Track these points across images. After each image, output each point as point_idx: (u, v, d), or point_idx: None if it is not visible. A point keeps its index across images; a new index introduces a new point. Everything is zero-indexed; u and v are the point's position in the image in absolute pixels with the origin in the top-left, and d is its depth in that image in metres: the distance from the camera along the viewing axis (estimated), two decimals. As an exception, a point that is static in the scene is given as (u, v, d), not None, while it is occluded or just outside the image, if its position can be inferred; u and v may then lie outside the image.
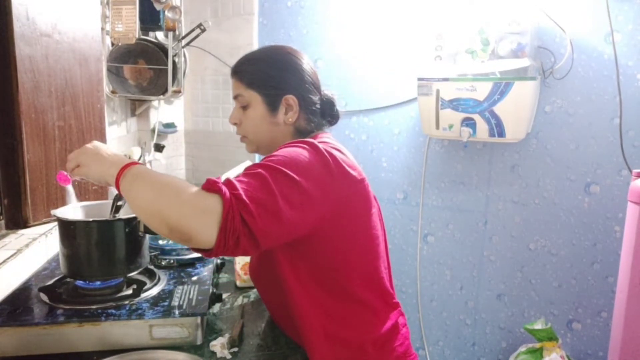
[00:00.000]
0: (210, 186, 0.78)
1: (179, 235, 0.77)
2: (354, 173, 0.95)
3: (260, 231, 0.78)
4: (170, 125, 2.62)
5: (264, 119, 1.04)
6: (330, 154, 0.91)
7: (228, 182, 0.80)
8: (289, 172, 0.84)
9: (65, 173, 0.98)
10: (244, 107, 1.06)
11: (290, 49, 1.09)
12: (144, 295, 1.02)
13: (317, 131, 1.09)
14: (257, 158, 2.66)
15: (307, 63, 1.09)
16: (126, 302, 0.99)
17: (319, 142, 0.94)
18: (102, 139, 1.41)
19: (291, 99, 1.04)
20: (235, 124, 1.09)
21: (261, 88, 1.04)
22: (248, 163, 1.20)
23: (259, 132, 1.06)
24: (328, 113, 1.12)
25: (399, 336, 1.04)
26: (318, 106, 1.09)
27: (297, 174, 0.84)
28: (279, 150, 0.91)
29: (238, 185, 0.79)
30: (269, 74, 1.04)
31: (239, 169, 1.29)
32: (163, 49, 2.14)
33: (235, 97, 1.07)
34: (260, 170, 0.83)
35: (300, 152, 0.89)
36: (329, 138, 1.05)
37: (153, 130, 2.52)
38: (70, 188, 1.11)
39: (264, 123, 1.05)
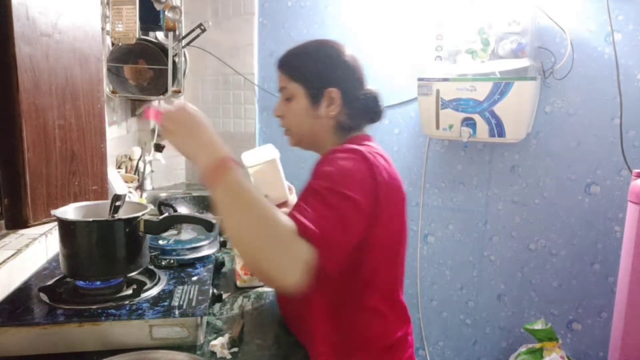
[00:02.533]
0: (304, 233, 0.79)
1: (263, 277, 0.85)
2: (399, 186, 0.98)
3: (333, 270, 0.84)
4: (170, 125, 2.62)
5: (307, 112, 1.05)
6: (379, 169, 0.93)
7: (313, 220, 0.81)
8: (352, 194, 0.87)
9: (155, 110, 0.91)
10: (288, 100, 1.07)
11: (335, 42, 1.09)
12: (144, 295, 1.02)
13: (358, 129, 1.09)
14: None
15: (351, 57, 1.08)
16: (126, 302, 0.99)
17: (368, 152, 0.94)
18: (102, 139, 1.41)
19: (334, 92, 1.03)
20: (279, 116, 1.10)
21: (304, 81, 1.04)
22: (270, 146, 1.24)
23: (301, 125, 1.07)
24: (371, 109, 1.09)
25: (407, 345, 1.06)
26: (361, 101, 1.07)
27: (357, 193, 0.88)
28: (333, 166, 0.90)
29: (320, 224, 0.81)
30: (313, 67, 1.05)
31: (262, 152, 1.29)
32: (163, 49, 2.14)
33: (280, 90, 1.09)
34: (332, 200, 0.85)
35: (355, 169, 0.91)
36: (373, 143, 1.05)
37: (153, 130, 2.52)
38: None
39: (306, 116, 1.05)
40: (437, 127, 2.02)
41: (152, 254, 1.22)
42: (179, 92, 2.38)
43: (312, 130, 1.07)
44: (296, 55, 1.08)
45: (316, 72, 1.05)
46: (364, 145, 1.00)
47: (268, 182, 1.23)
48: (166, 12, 2.02)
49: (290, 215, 0.82)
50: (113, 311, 0.95)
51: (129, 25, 1.80)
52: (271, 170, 1.22)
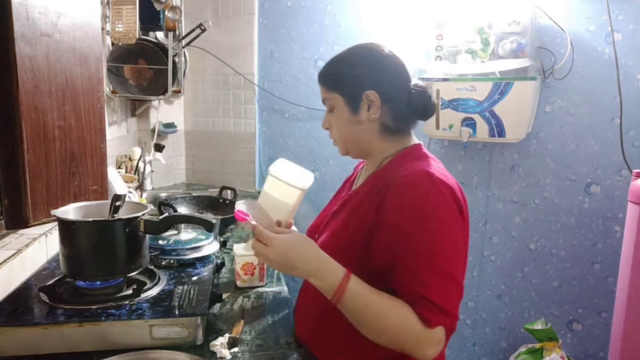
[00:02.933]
0: (435, 324, 0.84)
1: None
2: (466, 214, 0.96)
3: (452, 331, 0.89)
4: (170, 125, 2.62)
5: (348, 120, 1.02)
6: (459, 201, 0.92)
7: (438, 307, 0.84)
8: (459, 251, 0.92)
9: (242, 212, 0.95)
10: (331, 111, 1.05)
11: (372, 44, 1.05)
12: (144, 295, 1.02)
13: (406, 130, 1.05)
14: (261, 157, 2.67)
15: (389, 56, 1.03)
16: (126, 302, 0.99)
17: (445, 178, 0.91)
18: (102, 139, 1.41)
19: (371, 94, 0.99)
20: (327, 129, 1.08)
21: (341, 88, 1.02)
22: (283, 161, 1.17)
23: (346, 134, 1.04)
24: (418, 106, 1.02)
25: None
26: (404, 99, 1.01)
27: (460, 242, 0.92)
28: (430, 223, 0.87)
29: (446, 304, 0.85)
30: (347, 73, 1.02)
31: (299, 172, 1.16)
32: (163, 49, 2.14)
33: (323, 102, 1.07)
34: (446, 267, 0.87)
35: (450, 219, 0.89)
36: (429, 154, 1.02)
37: (153, 130, 2.52)
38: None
39: (349, 123, 1.03)
40: (437, 127, 2.02)
41: (152, 254, 1.22)
42: (179, 92, 2.38)
43: (357, 137, 1.03)
44: (330, 65, 1.05)
45: (350, 77, 1.01)
46: (428, 162, 0.97)
47: (280, 202, 1.11)
48: (166, 12, 2.02)
49: (418, 310, 0.84)
50: (113, 311, 0.95)
51: (129, 25, 1.80)
52: (291, 195, 1.11)
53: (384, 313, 0.85)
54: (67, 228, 1.00)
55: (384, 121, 1.01)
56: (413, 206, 0.88)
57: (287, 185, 1.11)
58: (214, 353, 0.95)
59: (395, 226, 0.89)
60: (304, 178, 1.13)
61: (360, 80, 1.00)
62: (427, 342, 0.84)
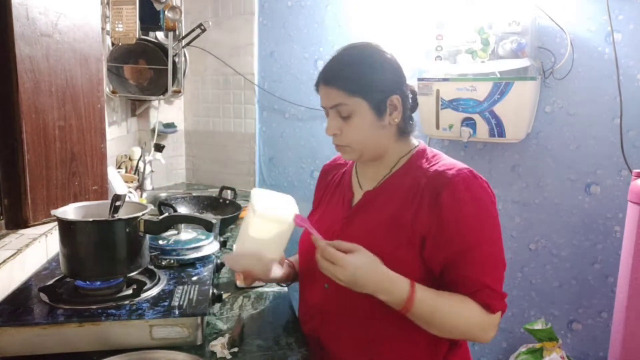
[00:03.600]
0: (495, 310, 0.93)
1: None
2: None
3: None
4: (170, 125, 2.63)
5: (372, 125, 1.00)
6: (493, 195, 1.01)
7: (499, 294, 0.94)
8: (500, 239, 0.99)
9: (302, 220, 0.99)
10: (346, 117, 1.00)
11: (377, 45, 1.05)
12: (144, 295, 1.02)
13: (412, 130, 1.08)
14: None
15: (392, 57, 1.04)
16: (126, 302, 0.99)
17: (479, 175, 1.00)
18: (102, 139, 1.41)
19: (395, 99, 1.00)
20: (334, 134, 1.03)
21: (366, 94, 0.98)
22: (291, 200, 1.10)
23: (366, 139, 1.02)
24: (415, 105, 1.09)
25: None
26: (410, 100, 1.06)
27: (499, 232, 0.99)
28: (486, 217, 0.97)
29: (501, 292, 0.95)
30: (372, 78, 0.99)
31: (280, 202, 1.08)
32: (163, 49, 2.14)
33: (334, 107, 1.00)
34: (499, 257, 0.97)
35: (495, 212, 0.99)
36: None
37: (153, 130, 2.52)
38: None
39: (372, 129, 1.00)
40: (437, 127, 2.02)
41: (152, 254, 1.22)
42: (179, 92, 2.38)
43: (378, 141, 1.03)
44: (349, 67, 1.00)
45: (377, 82, 0.99)
46: (452, 160, 1.03)
47: (272, 241, 1.02)
48: (166, 12, 2.02)
49: (481, 298, 0.92)
50: (113, 311, 0.95)
51: (129, 25, 1.80)
52: (284, 231, 1.01)
53: (451, 312, 0.92)
54: (67, 228, 1.00)
55: (400, 124, 1.04)
56: (472, 203, 0.94)
57: (278, 222, 1.01)
58: (214, 353, 0.95)
59: (456, 222, 0.93)
60: (288, 206, 1.05)
61: (386, 85, 1.00)
62: (490, 327, 0.93)
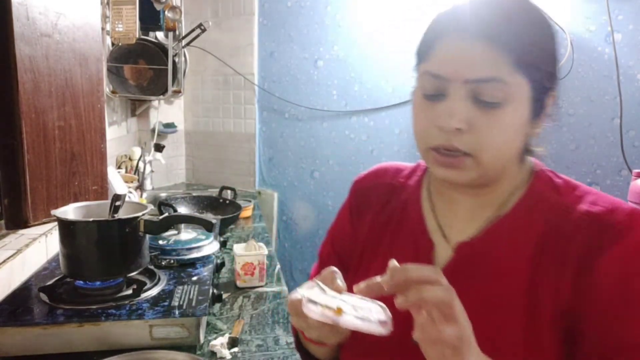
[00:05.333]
0: None
1: None
2: None
3: None
4: (170, 125, 2.63)
5: (523, 126, 0.62)
6: None
7: None
8: None
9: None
10: (491, 103, 0.59)
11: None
12: (144, 295, 1.02)
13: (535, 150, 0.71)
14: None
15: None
16: (126, 302, 0.99)
17: None
18: (102, 139, 1.41)
19: (555, 93, 0.68)
20: (458, 129, 0.59)
21: (535, 75, 0.61)
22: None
23: (505, 148, 0.62)
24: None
25: None
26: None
27: None
28: None
29: None
30: (549, 53, 0.64)
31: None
32: (163, 49, 2.14)
33: (478, 82, 0.58)
34: None
35: None
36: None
37: (153, 130, 2.52)
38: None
39: (518, 133, 0.62)
40: (437, 127, 2.02)
41: (152, 254, 1.22)
42: (179, 92, 2.38)
43: (510, 156, 0.64)
44: (524, 28, 0.60)
45: (551, 62, 0.65)
46: (596, 191, 0.66)
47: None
48: (166, 12, 2.02)
49: None
50: (113, 311, 0.95)
51: (129, 25, 1.80)
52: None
53: None
54: (67, 228, 1.00)
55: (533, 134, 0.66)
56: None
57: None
58: (214, 353, 0.95)
59: (624, 302, 0.58)
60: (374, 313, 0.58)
61: (556, 70, 0.66)
62: None
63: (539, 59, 0.61)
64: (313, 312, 0.55)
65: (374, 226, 0.76)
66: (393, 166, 0.81)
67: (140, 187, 2.20)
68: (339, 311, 0.54)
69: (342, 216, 0.83)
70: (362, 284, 0.56)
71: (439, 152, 0.62)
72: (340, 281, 0.59)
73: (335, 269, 0.60)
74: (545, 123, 0.67)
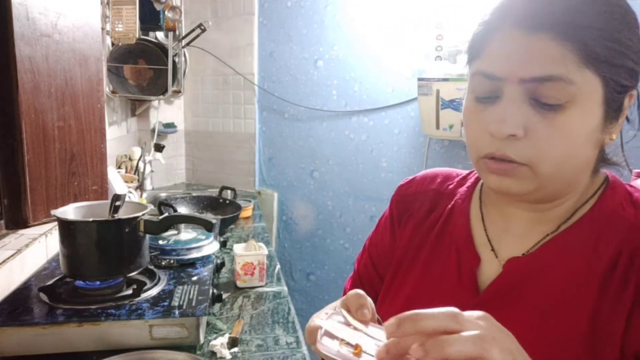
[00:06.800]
0: None
1: None
2: None
3: None
4: (170, 125, 2.63)
5: (592, 133, 0.55)
6: None
7: None
8: None
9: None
10: (554, 106, 0.51)
11: None
12: (144, 295, 1.02)
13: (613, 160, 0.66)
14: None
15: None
16: (126, 302, 0.99)
17: None
18: (102, 139, 1.41)
19: (634, 93, 0.57)
20: (513, 135, 0.53)
21: (610, 72, 0.52)
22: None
23: (570, 160, 0.55)
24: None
25: None
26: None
27: None
28: None
29: None
30: (625, 43, 0.52)
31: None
32: (163, 49, 2.14)
33: (537, 81, 0.51)
34: None
35: None
36: None
37: (153, 130, 2.52)
38: None
39: (588, 141, 0.55)
40: (437, 127, 2.02)
41: (152, 254, 1.22)
42: (179, 92, 2.39)
43: (579, 167, 0.57)
44: (591, 15, 0.51)
45: (630, 56, 0.53)
46: None
47: None
48: (166, 12, 2.02)
49: None
50: (113, 311, 0.95)
51: (129, 25, 1.80)
52: None
53: None
54: (67, 228, 1.00)
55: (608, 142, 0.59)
56: None
57: None
58: (214, 353, 0.95)
59: None
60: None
61: (638, 64, 0.54)
62: None
63: (613, 53, 0.51)
64: (328, 351, 0.48)
65: (414, 235, 0.70)
66: (443, 172, 0.76)
67: (140, 187, 2.20)
68: (357, 350, 0.47)
69: (382, 224, 0.77)
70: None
71: (495, 161, 0.55)
72: (367, 310, 0.49)
73: (362, 292, 0.51)
74: (623, 128, 0.59)
